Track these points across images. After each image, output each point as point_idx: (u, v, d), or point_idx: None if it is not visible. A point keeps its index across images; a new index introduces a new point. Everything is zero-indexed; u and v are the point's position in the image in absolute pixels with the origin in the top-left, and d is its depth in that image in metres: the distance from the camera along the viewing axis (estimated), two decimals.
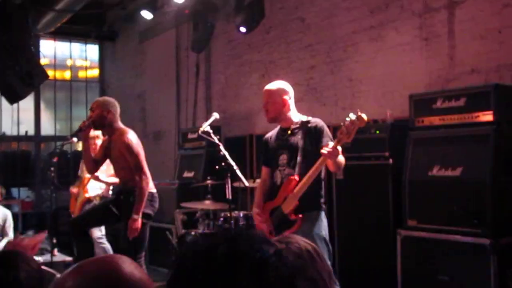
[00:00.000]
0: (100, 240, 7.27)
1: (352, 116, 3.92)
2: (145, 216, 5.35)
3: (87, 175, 7.37)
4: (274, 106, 4.47)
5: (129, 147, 5.30)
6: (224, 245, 1.07)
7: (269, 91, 4.51)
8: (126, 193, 5.41)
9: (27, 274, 1.83)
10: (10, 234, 6.65)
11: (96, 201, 7.33)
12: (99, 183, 7.38)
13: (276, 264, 1.06)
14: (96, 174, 6.91)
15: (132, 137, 5.36)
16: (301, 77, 7.28)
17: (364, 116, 3.90)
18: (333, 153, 3.98)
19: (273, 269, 1.05)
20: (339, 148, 4.00)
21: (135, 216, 5.22)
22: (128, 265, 1.21)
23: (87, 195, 7.39)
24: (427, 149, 4.97)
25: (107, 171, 7.20)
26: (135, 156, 5.29)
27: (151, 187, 5.47)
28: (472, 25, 5.50)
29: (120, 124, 5.51)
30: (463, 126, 4.74)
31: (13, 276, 1.79)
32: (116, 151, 5.41)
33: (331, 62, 7.00)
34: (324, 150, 3.99)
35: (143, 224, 5.34)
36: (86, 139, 5.58)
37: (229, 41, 8.72)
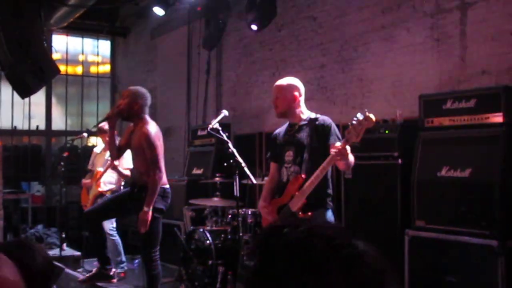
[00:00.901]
0: (111, 232, 7.34)
1: (360, 116, 3.91)
2: (157, 211, 5.39)
3: (99, 169, 7.44)
4: (284, 102, 4.48)
5: (147, 138, 5.34)
6: (321, 240, 1.07)
7: (280, 86, 4.53)
8: (139, 188, 5.44)
9: (43, 259, 2.06)
10: None
11: (108, 195, 7.40)
12: (111, 178, 7.44)
13: (368, 261, 1.06)
14: (115, 163, 6.99)
15: (152, 129, 5.40)
16: (311, 76, 7.28)
17: (372, 117, 3.89)
18: (342, 153, 3.98)
19: (365, 265, 1.05)
20: (348, 148, 4.00)
21: (145, 209, 5.26)
22: (3, 266, 1.23)
23: (99, 189, 7.45)
24: (436, 150, 4.97)
25: (121, 165, 7.27)
26: (153, 148, 5.33)
27: (164, 183, 5.51)
28: (484, 27, 5.48)
29: (147, 116, 5.54)
30: (473, 127, 4.73)
31: (32, 257, 2.01)
32: (136, 140, 5.47)
33: (342, 61, 7.00)
34: (333, 151, 3.99)
35: (155, 218, 5.38)
36: (112, 127, 5.61)
37: (241, 39, 8.74)
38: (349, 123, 3.96)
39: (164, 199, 5.49)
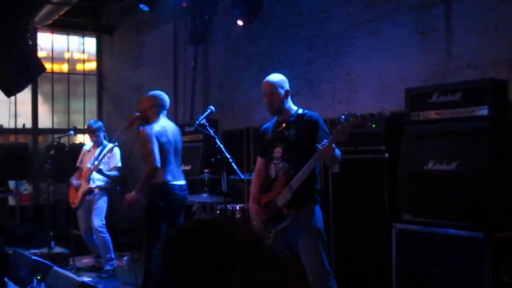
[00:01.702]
0: (101, 230, 7.35)
1: (347, 115, 3.96)
2: (154, 207, 5.55)
3: (88, 166, 7.43)
4: (279, 97, 4.50)
5: (141, 136, 5.68)
6: (225, 245, 1.08)
7: (272, 82, 4.54)
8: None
9: None
10: None
11: (97, 192, 7.42)
12: (101, 175, 7.45)
13: (271, 264, 1.08)
14: (99, 167, 7.07)
15: (150, 128, 5.70)
16: (298, 71, 7.29)
17: (359, 116, 3.95)
18: (328, 151, 4.02)
19: (267, 268, 1.07)
20: (333, 145, 4.04)
21: (133, 192, 5.63)
22: None
23: (88, 186, 7.45)
24: (423, 143, 4.99)
25: (111, 163, 7.30)
26: (146, 144, 5.62)
27: (162, 179, 5.63)
28: (469, 20, 5.51)
29: (160, 117, 5.85)
30: (459, 121, 4.75)
31: None
32: (140, 141, 5.82)
33: (328, 55, 7.00)
34: (319, 147, 4.02)
35: (152, 215, 5.58)
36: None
37: (227, 34, 8.72)
38: (336, 120, 4.00)
39: (162, 195, 5.59)
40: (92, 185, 7.46)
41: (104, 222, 7.42)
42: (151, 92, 6.07)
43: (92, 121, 7.94)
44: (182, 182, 5.86)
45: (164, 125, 5.82)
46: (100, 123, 7.77)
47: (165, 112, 5.94)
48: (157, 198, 5.52)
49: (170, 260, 1.10)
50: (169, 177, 5.63)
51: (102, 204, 7.47)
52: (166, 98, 5.99)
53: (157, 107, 5.85)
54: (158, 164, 5.57)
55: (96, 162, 7.25)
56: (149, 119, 5.83)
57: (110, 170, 7.44)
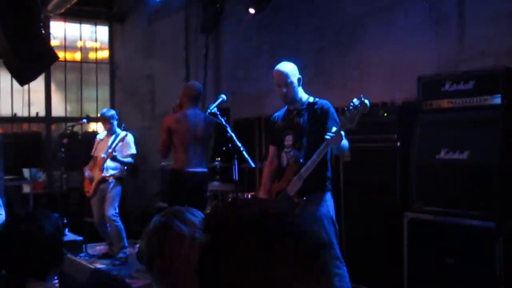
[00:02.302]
0: (114, 218, 7.40)
1: (356, 102, 3.94)
2: (172, 193, 6.07)
3: (102, 155, 7.48)
4: (293, 87, 4.48)
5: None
6: (271, 220, 1.09)
7: (286, 73, 4.49)
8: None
9: (50, 226, 2.45)
10: None
11: (111, 181, 7.47)
12: (114, 163, 7.49)
13: (312, 237, 1.09)
14: (113, 154, 7.13)
15: (166, 118, 6.24)
16: (310, 59, 7.25)
17: (367, 102, 3.93)
18: (336, 139, 4.01)
19: (308, 242, 1.08)
20: (342, 133, 4.03)
21: None
22: None
23: (102, 175, 7.49)
24: (435, 132, 4.97)
25: (124, 152, 7.34)
26: (161, 131, 6.17)
27: (182, 166, 5.96)
28: (483, 8, 5.46)
29: (189, 106, 6.19)
30: (471, 110, 4.72)
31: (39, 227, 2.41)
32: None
33: (340, 44, 6.98)
34: (327, 136, 4.02)
35: (170, 201, 5.99)
36: None
37: (238, 23, 8.70)
38: (345, 108, 3.99)
39: (177, 181, 5.80)
40: (106, 174, 7.50)
41: (117, 211, 7.47)
42: (188, 82, 6.61)
43: (105, 109, 7.99)
44: (199, 169, 5.91)
45: (187, 112, 6.06)
46: (113, 112, 7.82)
47: (196, 100, 6.31)
48: (172, 185, 5.63)
49: (217, 235, 1.10)
50: (185, 165, 5.73)
51: (115, 193, 7.51)
52: (197, 87, 6.38)
53: (188, 96, 6.19)
54: (160, 152, 6.18)
55: (109, 150, 7.28)
56: (183, 107, 6.17)
57: (124, 157, 7.47)
